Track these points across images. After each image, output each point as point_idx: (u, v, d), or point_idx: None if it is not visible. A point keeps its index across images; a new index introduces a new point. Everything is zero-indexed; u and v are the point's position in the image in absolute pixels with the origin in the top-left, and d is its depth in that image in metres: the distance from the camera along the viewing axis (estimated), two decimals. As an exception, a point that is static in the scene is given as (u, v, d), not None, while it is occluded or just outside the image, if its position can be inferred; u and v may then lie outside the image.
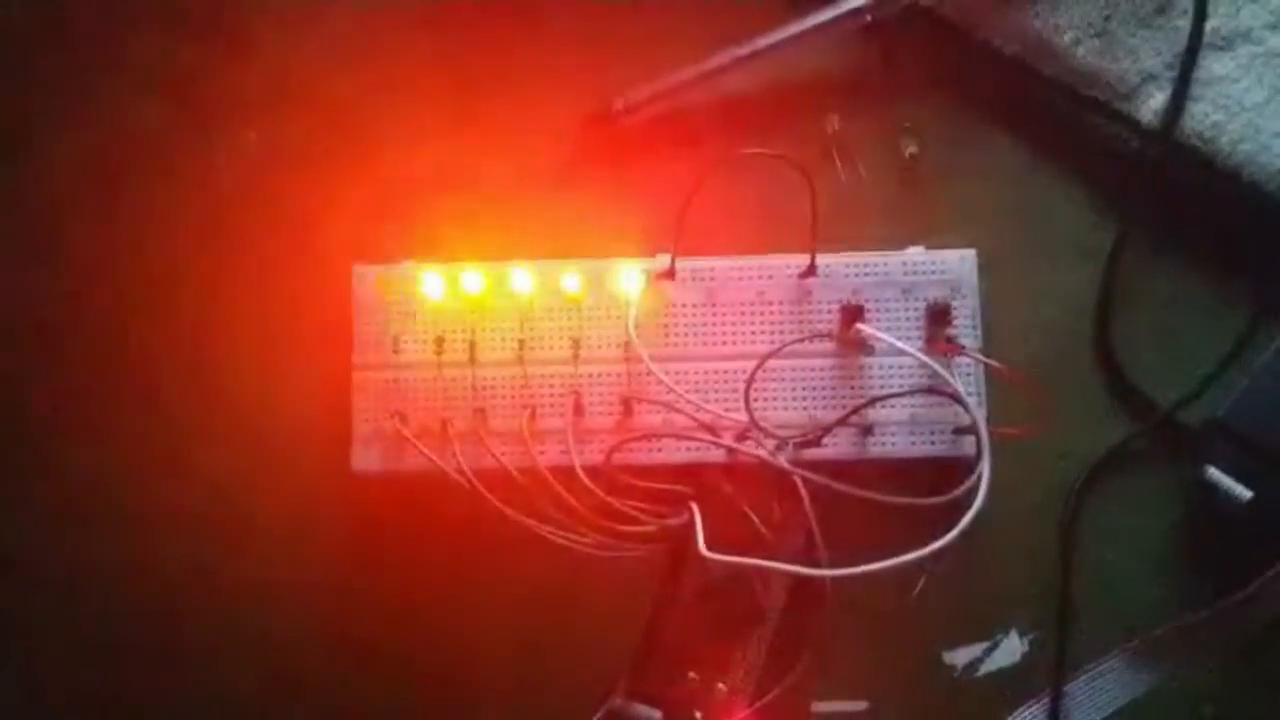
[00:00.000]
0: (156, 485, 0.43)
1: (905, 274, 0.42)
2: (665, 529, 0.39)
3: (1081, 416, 0.43)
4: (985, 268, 0.42)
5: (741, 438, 0.40)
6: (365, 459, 0.41)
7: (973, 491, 0.36)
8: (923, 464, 0.41)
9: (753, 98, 0.44)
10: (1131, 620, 0.41)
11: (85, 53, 0.45)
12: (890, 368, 0.41)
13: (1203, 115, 0.42)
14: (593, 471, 0.39)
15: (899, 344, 0.40)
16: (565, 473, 0.39)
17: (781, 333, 0.42)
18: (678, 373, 0.41)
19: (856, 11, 0.43)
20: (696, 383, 0.41)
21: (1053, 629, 0.42)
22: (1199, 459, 0.41)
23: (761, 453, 0.39)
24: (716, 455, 0.40)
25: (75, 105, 0.45)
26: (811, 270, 0.42)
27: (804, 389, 0.41)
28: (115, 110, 0.45)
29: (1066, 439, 0.42)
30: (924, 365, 0.40)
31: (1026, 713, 0.41)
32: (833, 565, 0.37)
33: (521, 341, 0.41)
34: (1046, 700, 0.41)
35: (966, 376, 0.41)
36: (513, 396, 0.41)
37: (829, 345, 0.42)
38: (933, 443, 0.41)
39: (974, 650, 0.42)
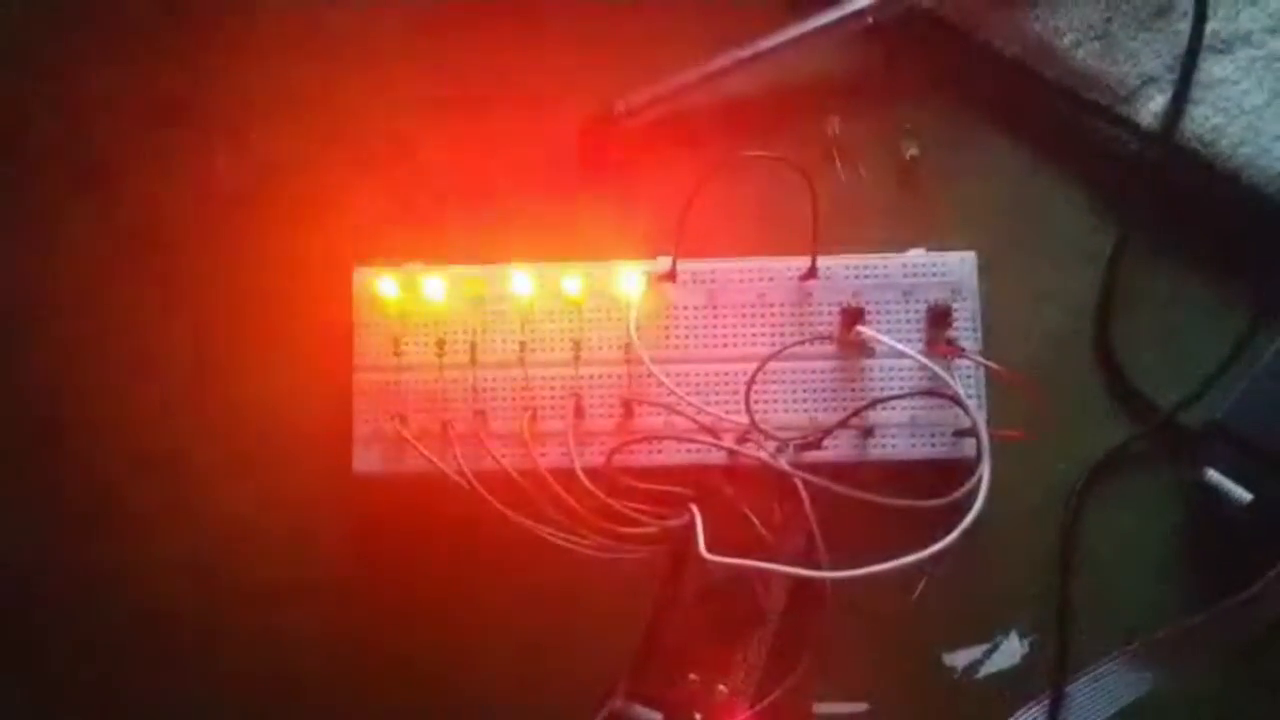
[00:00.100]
0: (157, 486, 0.43)
1: (906, 276, 0.42)
2: (666, 531, 0.39)
3: (1082, 418, 0.43)
4: (986, 270, 0.42)
5: (742, 440, 0.40)
6: (366, 460, 0.41)
7: (973, 493, 0.37)
8: (923, 466, 0.41)
9: (754, 100, 0.44)
10: (1131, 622, 0.42)
11: (86, 54, 0.45)
12: (891, 370, 0.41)
13: (1203, 118, 0.42)
14: (593, 473, 0.39)
15: (899, 346, 0.40)
16: (566, 474, 0.39)
17: (782, 335, 0.42)
18: (678, 375, 0.41)
19: (858, 14, 0.43)
20: (697, 385, 0.41)
21: (1053, 631, 0.42)
22: (1199, 461, 0.41)
23: (762, 455, 0.39)
24: (717, 457, 0.40)
25: (75, 107, 0.45)
26: (812, 272, 0.42)
27: (805, 391, 0.41)
28: (116, 112, 0.45)
29: (1067, 441, 0.42)
30: (924, 367, 0.40)
31: (1026, 714, 0.42)
32: (833, 567, 0.37)
33: (522, 343, 0.41)
34: (1046, 702, 0.41)
35: (967, 379, 0.41)
36: (513, 398, 0.41)
37: (830, 347, 0.42)
38: (933, 445, 0.41)
39: (974, 652, 0.42)
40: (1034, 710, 0.41)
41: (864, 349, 0.41)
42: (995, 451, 0.38)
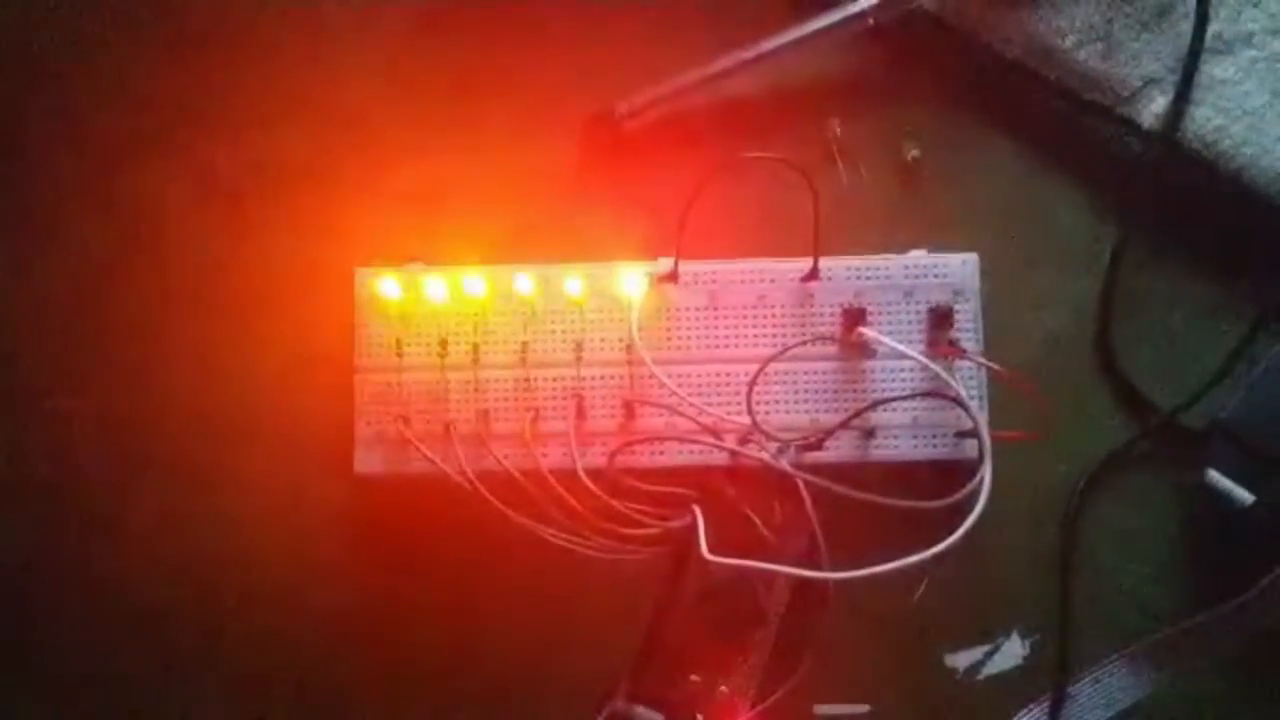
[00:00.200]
0: (157, 487, 0.43)
1: (907, 277, 0.42)
2: (667, 532, 0.39)
3: (1083, 420, 0.43)
4: (987, 271, 0.42)
5: (744, 441, 0.40)
6: (368, 461, 0.41)
7: (974, 494, 0.37)
8: (925, 467, 0.41)
9: (755, 101, 0.44)
10: (1133, 623, 0.42)
11: (86, 54, 0.45)
12: (892, 371, 0.41)
13: (1204, 119, 0.42)
14: (595, 474, 0.39)
15: (901, 347, 0.40)
16: (568, 475, 0.39)
17: (784, 336, 0.42)
18: (680, 376, 0.41)
19: (859, 15, 0.43)
20: (699, 386, 0.41)
21: (1054, 632, 0.42)
22: (1200, 462, 0.41)
23: (764, 456, 0.39)
24: (719, 458, 0.40)
25: (75, 107, 0.45)
26: (814, 273, 0.42)
27: (806, 392, 0.41)
28: (116, 112, 0.45)
29: (1068, 442, 0.42)
30: (926, 368, 0.40)
31: (1027, 716, 0.42)
32: (835, 568, 0.37)
33: (524, 344, 0.41)
34: (1048, 703, 0.41)
35: (968, 380, 0.41)
36: (515, 399, 0.41)
37: (831, 348, 0.42)
38: (935, 446, 0.41)
39: (975, 653, 0.42)
40: (1035, 711, 0.42)
41: (865, 350, 0.41)
42: (996, 452, 0.38)
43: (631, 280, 0.41)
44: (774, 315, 0.42)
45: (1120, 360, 0.43)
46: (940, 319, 0.41)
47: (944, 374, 0.40)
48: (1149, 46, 0.43)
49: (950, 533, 0.36)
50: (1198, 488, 0.41)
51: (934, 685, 0.42)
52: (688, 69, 0.43)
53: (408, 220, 0.44)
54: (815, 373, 0.41)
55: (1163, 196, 0.43)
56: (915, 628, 0.42)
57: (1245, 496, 0.40)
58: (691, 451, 0.41)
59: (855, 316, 0.41)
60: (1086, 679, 0.41)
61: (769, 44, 0.43)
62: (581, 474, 0.39)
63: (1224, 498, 0.40)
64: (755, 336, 0.42)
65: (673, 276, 0.42)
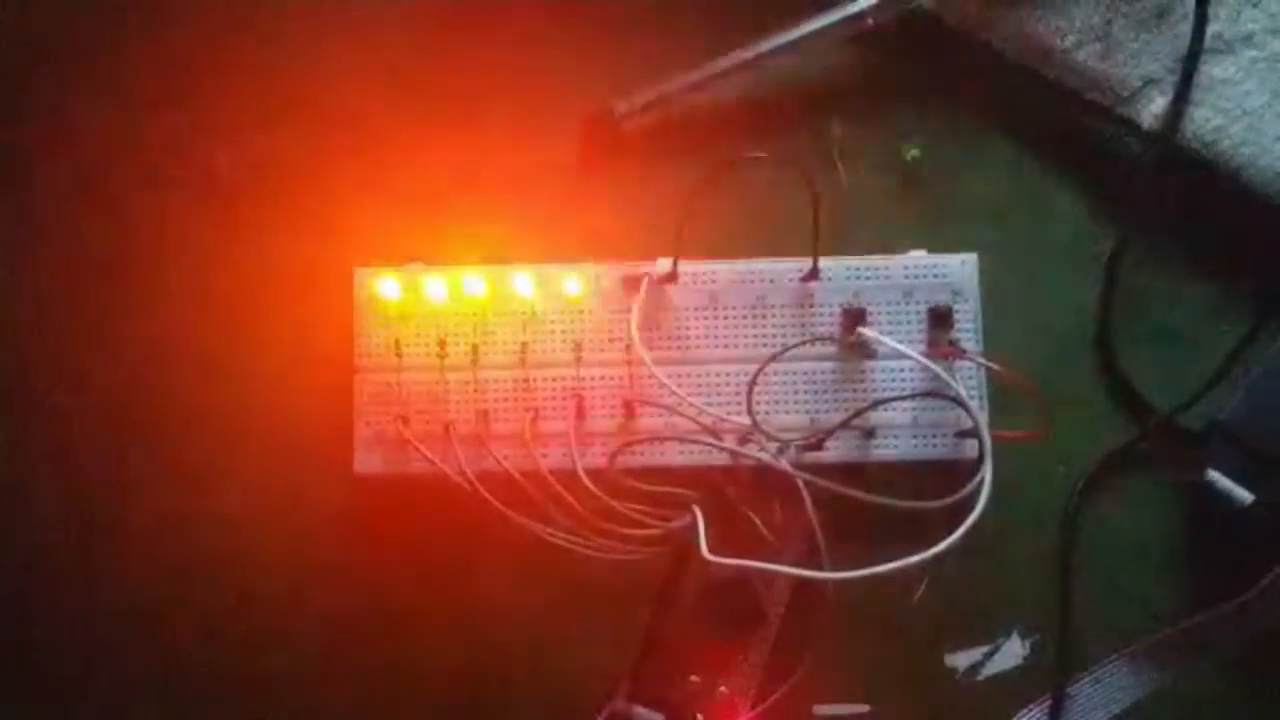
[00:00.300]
0: (157, 487, 0.43)
1: (907, 277, 0.42)
2: (668, 532, 0.39)
3: (1083, 420, 0.43)
4: (987, 271, 0.42)
5: (744, 441, 0.40)
6: (368, 462, 0.41)
7: (974, 494, 0.37)
8: (924, 467, 0.41)
9: (755, 101, 0.44)
10: (1133, 623, 0.42)
11: (86, 54, 0.45)
12: (892, 371, 0.41)
13: (1204, 119, 0.42)
14: (595, 474, 0.39)
15: (901, 347, 0.40)
16: (567, 476, 0.39)
17: (784, 336, 0.42)
18: (680, 376, 0.41)
19: (858, 16, 0.43)
20: (699, 386, 0.41)
21: (1054, 632, 0.42)
22: (1200, 462, 0.41)
23: (764, 456, 0.39)
24: (719, 458, 0.40)
25: (75, 107, 0.45)
26: (813, 274, 0.42)
27: (806, 392, 0.41)
28: (115, 112, 0.45)
29: (1068, 442, 0.42)
30: (926, 369, 0.40)
31: (1027, 716, 0.41)
32: (835, 568, 0.37)
33: (524, 344, 0.41)
34: (1048, 703, 0.41)
35: (968, 380, 0.41)
36: (515, 399, 0.41)
37: (831, 349, 0.42)
38: (934, 446, 0.41)
39: (975, 653, 0.42)
40: (1035, 712, 0.41)
41: (865, 350, 0.41)
42: (996, 452, 0.38)
43: (631, 280, 0.41)
44: (774, 315, 0.42)
45: (1120, 360, 0.43)
46: (940, 319, 0.41)
47: (944, 374, 0.40)
48: (1148, 47, 0.43)
49: (950, 533, 0.36)
50: (1197, 487, 0.41)
51: (934, 685, 0.42)
52: (687, 69, 0.43)
53: (407, 220, 0.44)
54: (815, 373, 0.41)
55: (1162, 196, 0.43)
56: (915, 628, 0.42)
57: (1245, 496, 0.40)
58: (691, 452, 0.41)
59: (855, 316, 0.41)
60: (1086, 679, 0.41)
61: (768, 44, 0.43)
62: (581, 474, 0.39)
63: (1224, 498, 0.40)
64: (755, 336, 0.42)
65: (672, 276, 0.42)
